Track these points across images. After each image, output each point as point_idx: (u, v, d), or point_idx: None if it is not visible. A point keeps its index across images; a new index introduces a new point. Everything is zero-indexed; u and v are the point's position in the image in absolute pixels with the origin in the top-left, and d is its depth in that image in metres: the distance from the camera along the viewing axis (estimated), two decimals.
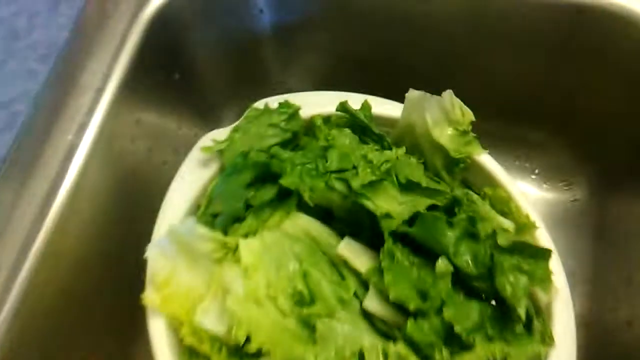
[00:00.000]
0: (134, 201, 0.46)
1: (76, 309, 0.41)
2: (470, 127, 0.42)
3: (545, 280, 0.33)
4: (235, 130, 0.44)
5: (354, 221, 0.41)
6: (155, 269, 0.39)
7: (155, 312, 0.39)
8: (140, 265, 0.39)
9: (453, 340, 0.33)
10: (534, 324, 0.35)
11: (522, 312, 0.32)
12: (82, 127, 0.42)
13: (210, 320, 0.37)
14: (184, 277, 0.39)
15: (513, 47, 0.50)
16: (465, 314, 0.34)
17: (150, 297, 0.39)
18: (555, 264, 0.39)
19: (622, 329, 0.44)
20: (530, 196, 0.58)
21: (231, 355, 0.36)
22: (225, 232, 0.41)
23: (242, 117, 0.45)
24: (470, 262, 0.36)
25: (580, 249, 0.52)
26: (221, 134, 0.46)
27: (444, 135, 0.42)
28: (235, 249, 0.39)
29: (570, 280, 0.40)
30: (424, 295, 0.35)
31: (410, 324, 0.33)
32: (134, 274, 0.40)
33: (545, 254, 0.34)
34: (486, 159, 0.44)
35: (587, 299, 0.49)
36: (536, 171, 0.58)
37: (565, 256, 0.48)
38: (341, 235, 0.40)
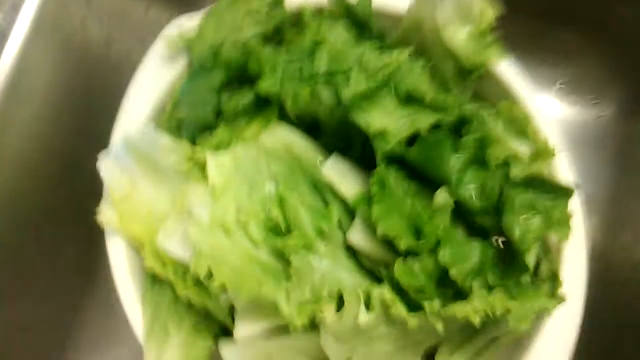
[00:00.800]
0: (89, 101, 0.40)
1: (25, 223, 0.37)
2: (491, 27, 0.34)
3: (562, 224, 0.28)
4: (206, 17, 0.37)
5: (344, 135, 0.36)
6: (111, 183, 0.34)
7: (114, 232, 0.35)
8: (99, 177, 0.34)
9: (447, 286, 0.29)
10: (541, 268, 0.31)
11: (530, 261, 0.27)
12: (15, 8, 0.34)
13: (173, 244, 0.33)
14: (144, 193, 0.35)
15: None
16: (464, 256, 0.29)
17: (106, 214, 0.34)
18: (575, 199, 0.33)
19: (636, 269, 0.39)
20: (552, 109, 0.52)
21: (197, 283, 0.32)
22: (194, 142, 0.36)
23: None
24: (475, 194, 0.31)
25: (601, 173, 0.47)
26: (192, 20, 0.39)
27: (459, 35, 0.35)
28: (205, 162, 0.33)
29: (585, 208, 0.35)
30: (417, 232, 0.30)
31: (398, 265, 0.29)
32: (92, 186, 0.34)
33: (566, 192, 0.28)
34: (506, 68, 0.37)
35: (601, 231, 0.45)
36: (561, 81, 0.51)
37: (583, 180, 0.43)
38: (329, 151, 0.35)
